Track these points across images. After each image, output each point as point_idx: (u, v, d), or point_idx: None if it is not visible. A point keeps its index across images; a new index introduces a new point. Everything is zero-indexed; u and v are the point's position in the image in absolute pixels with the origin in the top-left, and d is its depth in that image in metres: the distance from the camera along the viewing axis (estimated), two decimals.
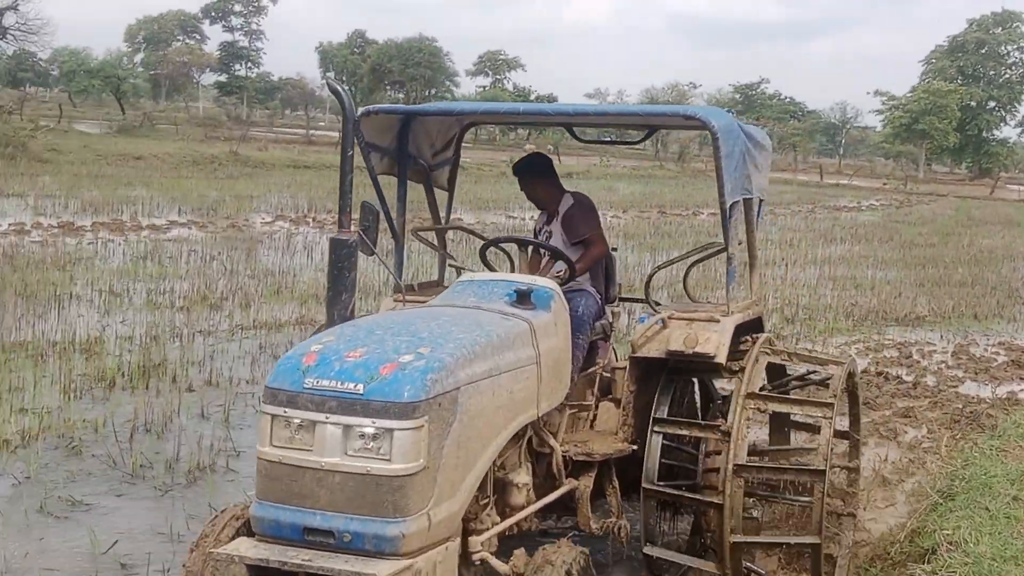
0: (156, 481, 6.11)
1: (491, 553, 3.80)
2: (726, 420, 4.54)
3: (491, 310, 4.10)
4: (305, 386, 3.29)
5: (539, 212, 5.54)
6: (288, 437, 3.30)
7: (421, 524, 3.27)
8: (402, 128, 5.09)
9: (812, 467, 4.45)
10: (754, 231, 5.21)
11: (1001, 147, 79.15)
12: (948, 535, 4.91)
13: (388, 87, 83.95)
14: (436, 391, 3.30)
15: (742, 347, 4.85)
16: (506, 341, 3.82)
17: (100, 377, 8.07)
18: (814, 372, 5.09)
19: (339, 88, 3.98)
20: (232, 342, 9.64)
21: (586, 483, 4.54)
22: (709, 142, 4.43)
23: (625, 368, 4.83)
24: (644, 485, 4.55)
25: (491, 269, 5.18)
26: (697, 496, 4.63)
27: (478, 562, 3.75)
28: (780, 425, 5.61)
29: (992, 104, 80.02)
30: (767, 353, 4.79)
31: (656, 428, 4.60)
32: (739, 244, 4.92)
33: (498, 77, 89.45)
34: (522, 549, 3.82)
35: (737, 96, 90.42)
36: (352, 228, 3.98)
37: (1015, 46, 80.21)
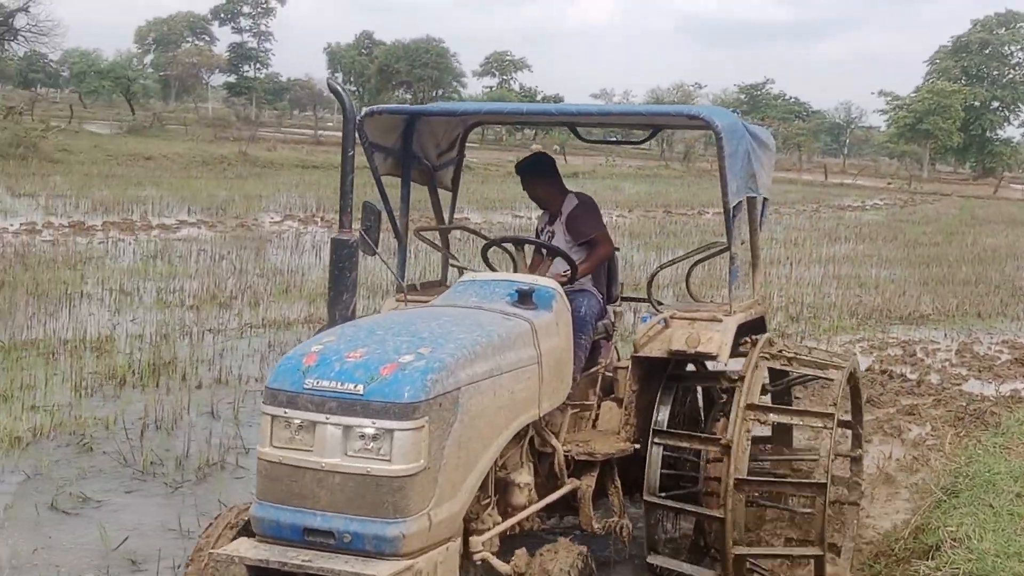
0: (166, 478, 6.14)
1: (493, 553, 3.78)
2: (727, 430, 4.49)
3: (492, 310, 4.08)
4: (305, 386, 3.28)
5: (541, 212, 5.53)
6: (288, 438, 3.29)
7: (421, 524, 3.26)
8: (406, 128, 5.08)
9: (814, 480, 4.44)
10: (758, 231, 5.19)
11: (1005, 147, 79.17)
12: (952, 532, 4.91)
13: (395, 88, 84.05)
14: (436, 391, 3.29)
15: (742, 348, 4.82)
16: (507, 341, 3.80)
17: (111, 375, 8.12)
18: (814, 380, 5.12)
19: (339, 88, 3.97)
20: (241, 340, 9.68)
21: (588, 483, 4.52)
22: (714, 142, 4.41)
23: (627, 368, 4.82)
24: (646, 497, 4.55)
25: (493, 269, 5.16)
26: (699, 509, 4.61)
27: (479, 562, 3.73)
28: (783, 430, 5.61)
29: (996, 104, 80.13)
30: (767, 358, 4.75)
31: (656, 440, 4.58)
32: (742, 244, 4.90)
33: (505, 78, 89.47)
34: (523, 549, 3.80)
35: (742, 96, 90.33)
36: (353, 228, 3.97)
37: (1019, 46, 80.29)
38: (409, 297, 4.90)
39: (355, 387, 3.24)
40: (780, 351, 4.89)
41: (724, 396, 4.74)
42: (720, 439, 4.49)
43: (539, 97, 79.66)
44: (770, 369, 5.00)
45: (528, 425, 4.07)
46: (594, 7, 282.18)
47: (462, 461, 3.44)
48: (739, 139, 4.56)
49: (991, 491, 5.52)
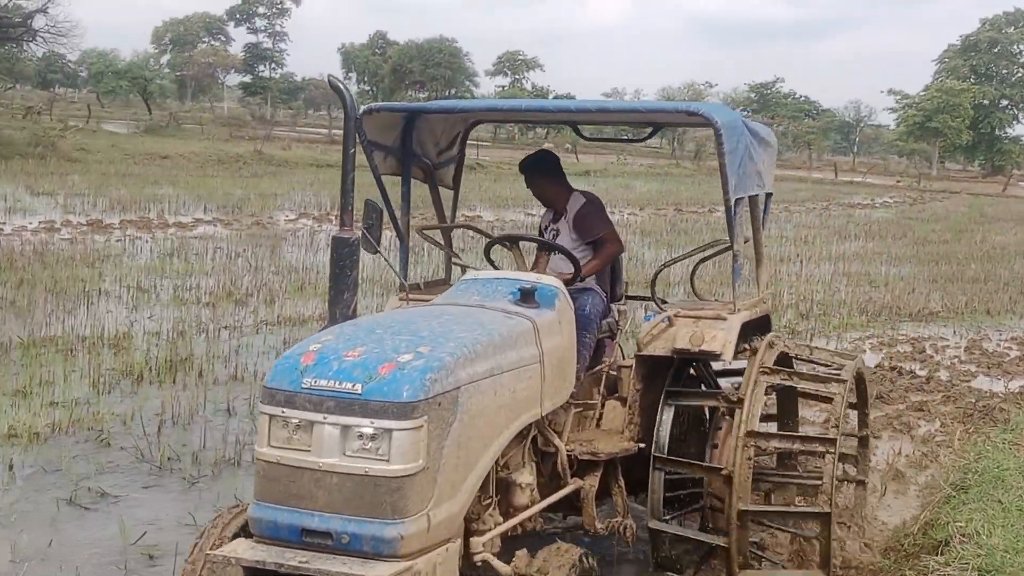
0: (183, 473, 6.18)
1: (494, 554, 3.73)
2: (728, 460, 4.43)
3: (494, 308, 4.02)
4: (303, 386, 3.23)
5: (545, 210, 5.48)
6: (286, 437, 3.25)
7: (420, 525, 3.21)
8: (405, 127, 5.03)
9: (818, 510, 4.42)
10: (761, 228, 5.15)
11: (1014, 145, 78.95)
12: (961, 527, 4.89)
13: (409, 87, 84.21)
14: (436, 391, 3.24)
15: (741, 356, 4.73)
16: (508, 340, 3.75)
17: (128, 371, 8.19)
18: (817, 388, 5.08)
19: (340, 85, 3.92)
20: (257, 337, 9.74)
21: (591, 483, 4.47)
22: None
23: (631, 366, 4.77)
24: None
25: (495, 267, 5.10)
26: (703, 537, 4.57)
27: (480, 563, 3.67)
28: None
29: (1005, 103, 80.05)
30: (767, 373, 4.66)
31: (657, 466, 4.53)
32: (745, 241, 4.85)
33: (517, 77, 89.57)
34: (524, 550, 3.74)
35: (752, 95, 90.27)
36: (354, 227, 3.91)
37: None
38: (412, 296, 4.86)
39: (353, 386, 3.19)
40: (782, 355, 4.82)
41: (725, 417, 4.69)
42: (721, 469, 4.44)
43: (551, 96, 79.64)
44: (776, 361, 4.90)
45: (530, 424, 4.02)
46: (605, 7, 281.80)
47: (462, 461, 3.39)
48: (739, 136, 4.51)
49: (1000, 487, 5.50)
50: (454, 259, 5.43)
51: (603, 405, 4.82)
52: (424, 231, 5.24)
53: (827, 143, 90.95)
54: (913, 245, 22.60)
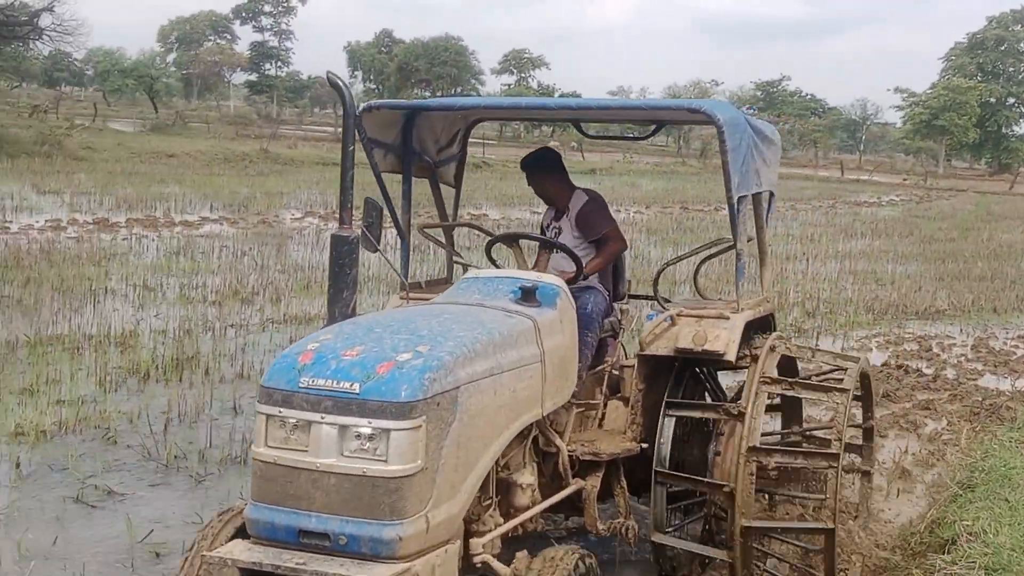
0: (190, 471, 6.18)
1: (494, 555, 3.69)
2: (730, 475, 4.40)
3: (494, 307, 3.99)
4: (300, 385, 3.19)
5: (546, 208, 5.45)
6: (283, 437, 3.21)
7: (419, 526, 3.18)
8: (406, 124, 5.00)
9: (822, 526, 4.38)
10: (764, 227, 5.11)
11: (1021, 143, 78.80)
12: (968, 526, 4.86)
13: (415, 85, 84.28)
14: (434, 390, 3.21)
15: (742, 363, 4.68)
16: (509, 339, 3.72)
17: (134, 370, 8.21)
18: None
19: (339, 82, 3.89)
20: (263, 335, 9.75)
21: (593, 483, 4.43)
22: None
23: (634, 366, 4.73)
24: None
25: (496, 266, 5.06)
26: (707, 551, 4.54)
27: (479, 564, 3.63)
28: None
29: (1012, 100, 79.96)
30: (767, 383, 4.60)
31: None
32: (748, 240, 4.81)
33: (523, 75, 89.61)
34: (524, 552, 3.69)
35: (758, 93, 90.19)
36: (353, 225, 3.90)
37: None
38: (414, 295, 4.83)
39: (351, 386, 3.16)
40: (784, 358, 4.81)
41: (725, 430, 4.65)
42: (724, 486, 4.41)
43: (556, 95, 79.67)
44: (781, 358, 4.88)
45: (532, 425, 3.99)
46: (612, 5, 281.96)
47: (461, 461, 3.36)
48: (741, 133, 4.47)
49: (1007, 485, 5.48)
50: (455, 258, 5.41)
51: (605, 405, 4.78)
52: (425, 229, 5.20)
53: (833, 141, 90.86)
54: (920, 243, 22.57)
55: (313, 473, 3.17)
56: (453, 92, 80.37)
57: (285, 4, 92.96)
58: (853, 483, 5.62)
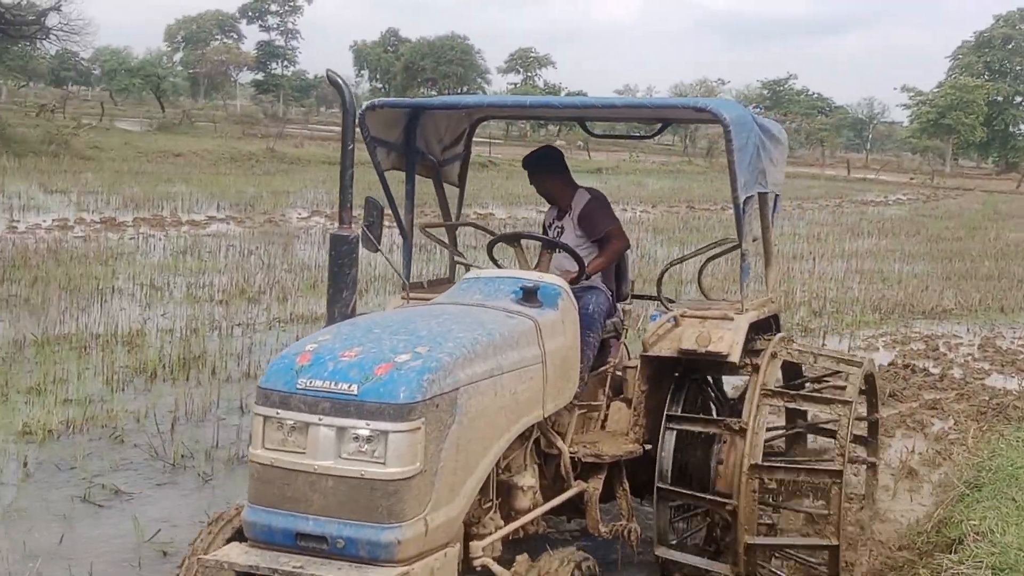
0: (197, 470, 6.19)
1: (495, 558, 3.65)
2: (733, 490, 4.37)
3: (495, 308, 3.94)
4: (298, 387, 3.16)
5: (548, 207, 5.41)
6: (281, 439, 3.18)
7: (417, 530, 3.14)
8: (409, 123, 4.96)
9: (826, 543, 4.35)
10: (769, 227, 5.07)
11: None
12: (975, 525, 4.86)
13: (421, 85, 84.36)
14: (433, 392, 3.17)
15: (743, 371, 4.64)
16: (509, 340, 3.67)
17: (141, 369, 8.22)
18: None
19: (339, 80, 3.85)
20: (270, 335, 9.75)
21: (595, 485, 4.39)
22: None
23: (637, 367, 4.68)
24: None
25: (498, 266, 5.03)
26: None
27: (479, 568, 3.59)
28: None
29: (1019, 99, 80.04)
30: (768, 396, 4.53)
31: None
32: (754, 240, 4.77)
33: (529, 74, 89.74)
34: (525, 555, 3.66)
35: (765, 92, 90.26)
36: (353, 224, 3.86)
37: None
38: (415, 295, 4.79)
39: (349, 387, 3.12)
40: (786, 364, 4.78)
41: (727, 437, 4.60)
42: (726, 504, 4.38)
43: (563, 93, 79.67)
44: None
45: (533, 426, 3.94)
46: (618, 4, 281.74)
47: (461, 464, 3.32)
48: (748, 132, 4.43)
49: (1014, 485, 5.47)
50: (457, 257, 5.37)
51: (608, 406, 4.74)
52: (427, 229, 5.17)
53: (840, 140, 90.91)
54: (926, 242, 22.54)
55: (311, 475, 3.14)
56: (459, 91, 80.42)
57: (291, 3, 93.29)
58: (858, 473, 5.64)
